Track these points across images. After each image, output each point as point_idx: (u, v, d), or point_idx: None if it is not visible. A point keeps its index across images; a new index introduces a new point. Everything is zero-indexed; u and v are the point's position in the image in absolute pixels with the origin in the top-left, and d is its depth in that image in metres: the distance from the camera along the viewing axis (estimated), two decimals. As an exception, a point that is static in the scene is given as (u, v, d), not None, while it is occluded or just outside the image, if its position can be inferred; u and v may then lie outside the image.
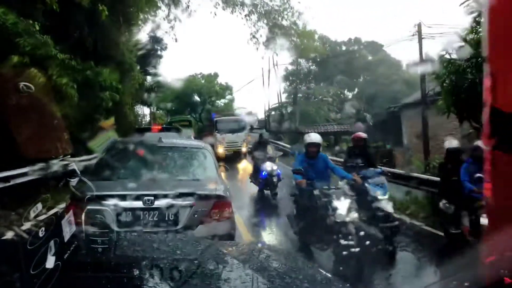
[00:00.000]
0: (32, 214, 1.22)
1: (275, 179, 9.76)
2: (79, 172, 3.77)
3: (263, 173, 9.80)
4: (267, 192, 10.05)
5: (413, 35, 16.11)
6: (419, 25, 15.96)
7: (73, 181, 6.24)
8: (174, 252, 1.84)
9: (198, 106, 42.22)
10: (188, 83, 46.96)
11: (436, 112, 8.66)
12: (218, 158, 7.13)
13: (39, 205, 1.26)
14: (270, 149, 10.89)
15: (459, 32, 8.00)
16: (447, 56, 8.16)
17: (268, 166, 9.77)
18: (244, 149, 21.50)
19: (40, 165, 7.93)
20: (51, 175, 8.42)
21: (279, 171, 10.02)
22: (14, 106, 7.69)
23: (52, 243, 1.20)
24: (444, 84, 8.16)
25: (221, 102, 45.26)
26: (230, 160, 18.67)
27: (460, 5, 7.66)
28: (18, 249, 1.12)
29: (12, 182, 7.53)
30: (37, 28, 8.29)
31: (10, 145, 7.28)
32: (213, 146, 19.29)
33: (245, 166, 17.51)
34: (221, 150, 20.89)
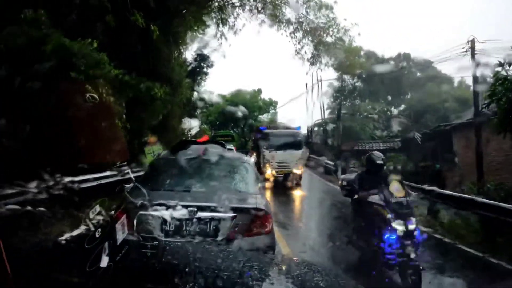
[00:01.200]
0: (91, 215, 1.32)
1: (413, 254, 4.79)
2: (134, 179, 3.98)
3: (391, 237, 4.88)
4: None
5: (466, 51, 15.44)
6: (473, 41, 15.30)
7: (128, 187, 6.56)
8: (215, 263, 1.87)
9: (241, 121, 42.82)
10: (233, 98, 48.06)
11: (491, 132, 8.18)
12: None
13: (97, 207, 1.35)
14: (396, 186, 5.15)
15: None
16: (504, 73, 7.74)
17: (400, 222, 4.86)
18: (299, 171, 17.58)
19: (101, 174, 8.44)
20: (110, 181, 8.94)
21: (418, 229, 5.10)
22: (72, 118, 8.26)
23: (106, 244, 1.29)
24: (501, 102, 7.72)
25: (264, 117, 45.66)
26: (278, 187, 15.56)
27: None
28: (77, 247, 1.21)
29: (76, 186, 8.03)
30: (95, 45, 8.93)
31: (71, 154, 7.82)
32: (258, 167, 16.41)
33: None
34: (268, 171, 17.07)
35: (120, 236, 1.43)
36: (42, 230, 5.88)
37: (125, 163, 9.45)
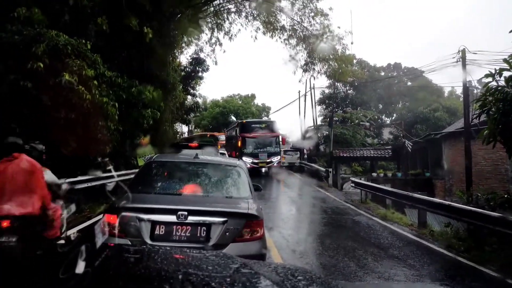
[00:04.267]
0: (66, 215, 1.24)
1: None
2: (116, 176, 3.88)
3: None
4: None
5: (457, 61, 15.60)
6: (463, 51, 15.46)
7: (110, 185, 6.41)
8: (205, 269, 1.81)
9: (224, 130, 43.00)
10: (226, 104, 48.11)
11: (481, 141, 8.23)
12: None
13: (73, 206, 1.28)
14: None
15: (506, 59, 7.68)
16: (494, 83, 7.81)
17: None
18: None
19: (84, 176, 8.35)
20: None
21: None
22: (63, 119, 8.16)
23: (83, 248, 1.19)
24: (490, 112, 7.78)
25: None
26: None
27: (510, 31, 7.38)
28: (48, 250, 1.13)
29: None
30: (89, 47, 8.84)
31: (57, 155, 7.72)
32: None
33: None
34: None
35: (100, 239, 1.35)
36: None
37: (107, 159, 9.35)
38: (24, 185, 3.84)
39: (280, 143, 23.52)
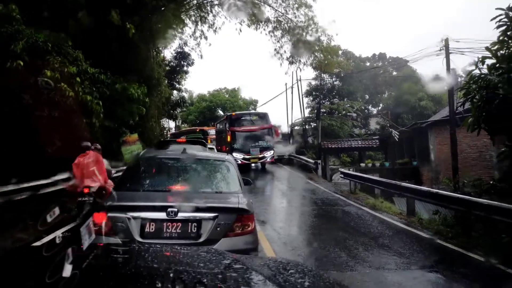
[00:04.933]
0: (49, 219, 1.19)
1: None
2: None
3: None
4: None
5: (440, 50, 15.79)
6: (446, 40, 15.64)
7: (94, 187, 6.42)
8: (197, 265, 1.78)
9: (212, 124, 42.84)
10: (212, 98, 47.85)
11: (466, 129, 8.35)
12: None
13: (57, 210, 1.23)
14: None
15: (488, 47, 7.77)
16: (477, 71, 7.91)
17: None
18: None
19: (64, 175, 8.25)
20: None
21: None
22: (46, 117, 7.99)
23: (69, 251, 1.15)
24: (474, 100, 7.89)
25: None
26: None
27: (491, 20, 7.46)
28: (33, 256, 1.08)
29: (41, 191, 7.77)
30: (70, 43, 8.64)
31: (39, 153, 7.59)
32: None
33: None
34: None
35: (86, 240, 1.30)
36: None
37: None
38: (94, 169, 6.52)
39: (274, 135, 21.93)
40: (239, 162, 16.29)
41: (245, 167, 18.67)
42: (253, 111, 27.27)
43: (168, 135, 29.72)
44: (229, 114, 23.99)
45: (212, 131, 30.02)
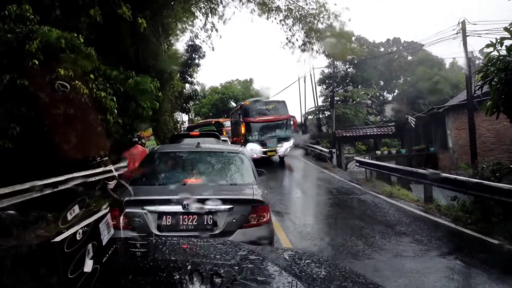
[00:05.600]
0: (69, 217, 1.23)
1: None
2: (116, 175, 3.91)
3: None
4: None
5: (457, 33, 15.37)
6: (463, 23, 15.22)
7: (111, 184, 6.50)
8: (214, 257, 1.81)
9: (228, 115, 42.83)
10: (225, 90, 47.89)
11: (484, 113, 8.16)
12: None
13: (76, 207, 1.26)
14: None
15: (507, 27, 7.53)
16: (495, 53, 7.68)
17: None
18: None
19: (83, 172, 8.45)
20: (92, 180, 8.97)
21: None
22: (62, 115, 8.13)
23: (90, 246, 1.19)
24: (493, 83, 7.68)
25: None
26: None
27: (509, -1, 7.21)
28: (56, 252, 1.12)
29: (59, 188, 7.95)
30: (81, 40, 8.73)
31: (55, 152, 7.75)
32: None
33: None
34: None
35: (106, 236, 1.34)
36: (21, 235, 5.74)
37: (105, 158, 9.56)
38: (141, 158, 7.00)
39: (291, 126, 20.18)
40: (255, 156, 15.02)
41: (260, 160, 17.30)
42: (268, 99, 23.53)
43: (184, 128, 29.89)
44: (242, 103, 22.14)
45: (227, 123, 29.07)
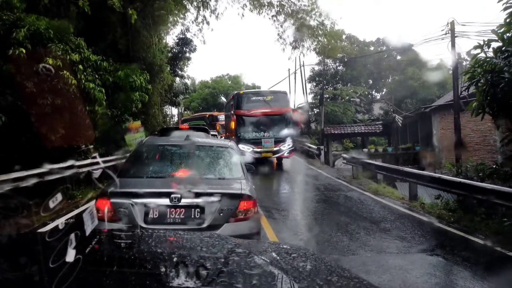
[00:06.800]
0: (51, 204, 1.21)
1: None
2: (102, 164, 3.86)
3: None
4: None
5: (446, 33, 15.55)
6: (452, 23, 15.39)
7: (96, 173, 6.41)
8: (200, 250, 1.81)
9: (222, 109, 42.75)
10: (215, 84, 47.68)
11: (470, 113, 8.30)
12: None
13: (59, 196, 1.24)
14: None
15: (495, 30, 7.65)
16: (483, 55, 7.81)
17: None
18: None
19: (69, 162, 8.32)
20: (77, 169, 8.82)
21: None
22: (49, 105, 8.01)
23: (72, 236, 1.17)
24: (479, 84, 7.82)
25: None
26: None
27: (498, 1, 7.32)
28: (37, 241, 1.10)
29: (46, 179, 7.83)
30: (71, 30, 8.60)
31: (41, 141, 7.63)
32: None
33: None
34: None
35: (89, 226, 1.32)
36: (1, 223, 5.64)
37: (91, 146, 9.38)
38: None
39: (293, 121, 17.07)
40: (247, 156, 13.05)
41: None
42: (267, 90, 19.84)
43: (173, 122, 29.73)
44: (236, 92, 18.54)
45: (222, 117, 26.37)
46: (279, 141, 15.77)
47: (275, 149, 15.71)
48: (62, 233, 1.14)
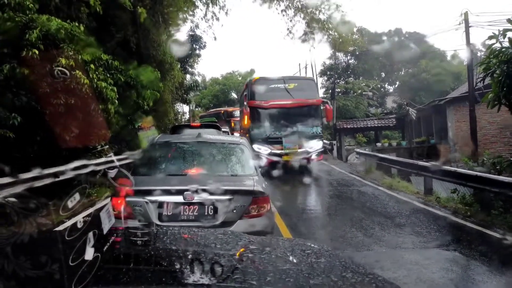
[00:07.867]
0: (70, 204, 1.23)
1: None
2: (117, 163, 3.89)
3: None
4: None
5: (459, 24, 15.26)
6: (466, 14, 15.09)
7: (112, 172, 6.51)
8: (214, 247, 1.83)
9: (236, 103, 42.72)
10: (226, 81, 47.74)
11: (485, 105, 8.14)
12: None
13: (77, 196, 1.26)
14: None
15: (510, 19, 7.47)
16: (498, 45, 7.63)
17: None
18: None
19: (83, 161, 8.43)
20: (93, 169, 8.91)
21: None
22: (63, 105, 8.13)
23: (91, 234, 1.20)
24: (495, 75, 7.65)
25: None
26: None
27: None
28: (57, 240, 1.12)
29: (61, 178, 7.96)
30: (82, 29, 8.68)
31: (56, 141, 7.75)
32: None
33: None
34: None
35: (106, 224, 1.35)
36: (21, 222, 5.75)
37: (107, 147, 9.46)
38: None
39: (323, 116, 14.05)
40: (264, 159, 11.19)
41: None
42: (288, 76, 15.63)
43: (184, 119, 29.98)
44: (250, 79, 15.26)
45: (237, 113, 23.88)
46: (305, 140, 12.83)
47: (299, 150, 12.66)
48: (81, 232, 1.16)
